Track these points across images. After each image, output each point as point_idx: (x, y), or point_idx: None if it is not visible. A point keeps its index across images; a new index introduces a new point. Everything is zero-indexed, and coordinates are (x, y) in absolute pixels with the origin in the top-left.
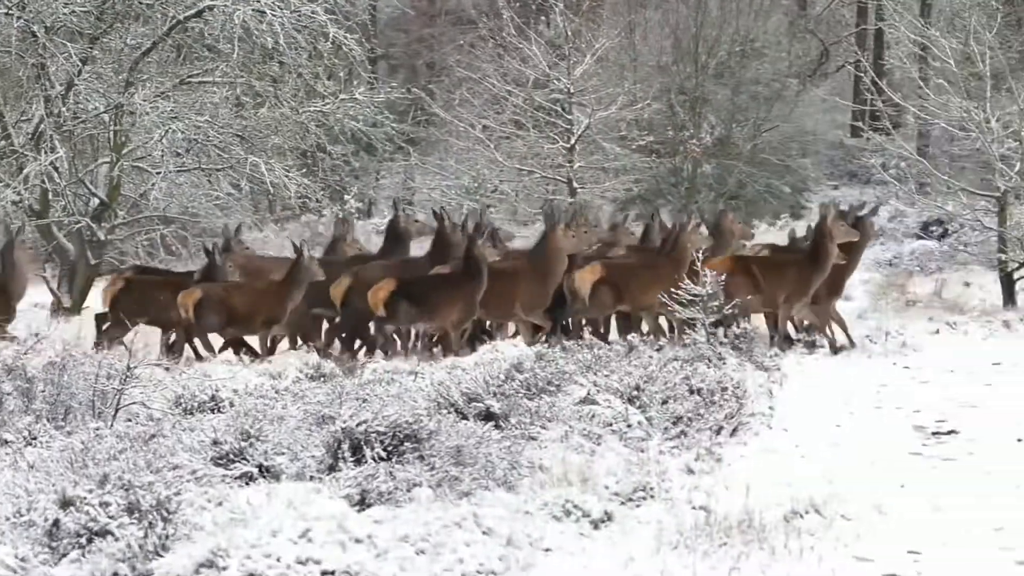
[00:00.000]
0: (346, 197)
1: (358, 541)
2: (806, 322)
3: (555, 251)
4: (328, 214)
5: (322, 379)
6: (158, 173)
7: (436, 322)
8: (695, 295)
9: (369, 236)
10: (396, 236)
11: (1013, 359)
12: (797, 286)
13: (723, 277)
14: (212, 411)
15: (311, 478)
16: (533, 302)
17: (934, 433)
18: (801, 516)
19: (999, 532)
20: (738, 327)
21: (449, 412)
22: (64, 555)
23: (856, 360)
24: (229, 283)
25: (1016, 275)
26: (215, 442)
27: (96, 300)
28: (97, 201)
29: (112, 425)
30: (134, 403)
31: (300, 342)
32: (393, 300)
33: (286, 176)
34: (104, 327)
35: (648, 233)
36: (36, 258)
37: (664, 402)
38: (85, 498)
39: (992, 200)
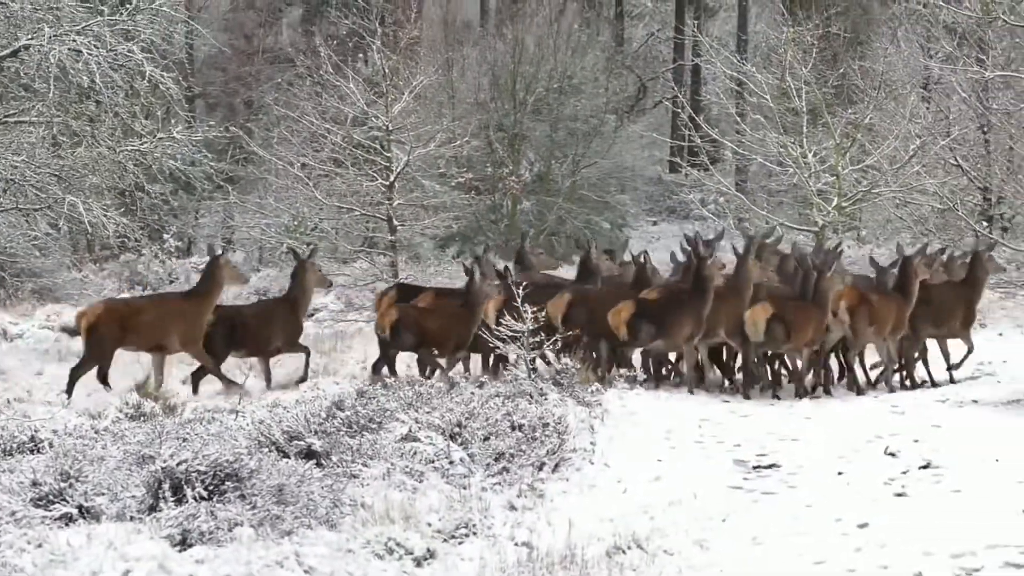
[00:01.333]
0: (165, 236)
1: None
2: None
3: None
4: (147, 253)
5: (142, 419)
6: None
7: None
8: (515, 331)
9: (188, 274)
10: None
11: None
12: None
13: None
14: (31, 452)
15: (132, 518)
16: None
17: (755, 467)
18: (623, 551)
19: (819, 565)
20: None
21: (270, 450)
22: None
23: (677, 395)
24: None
25: None
26: (34, 483)
27: None
28: None
29: None
30: None
31: None
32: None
33: (104, 215)
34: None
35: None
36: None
37: (486, 438)
38: None
39: (810, 235)
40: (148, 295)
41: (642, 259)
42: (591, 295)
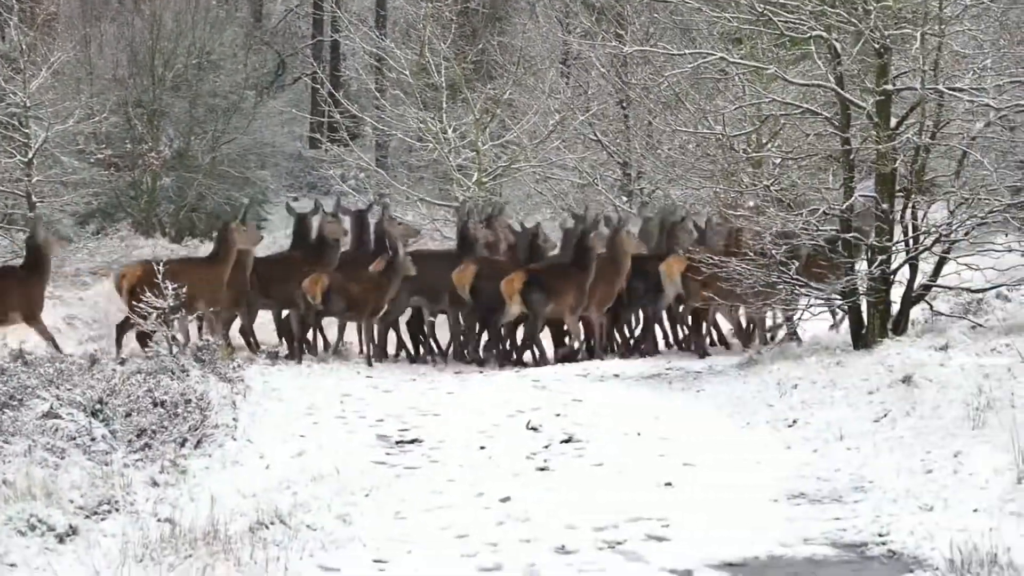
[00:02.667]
0: None
1: None
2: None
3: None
4: None
5: None
6: None
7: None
8: (157, 307)
9: None
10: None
11: (473, 367)
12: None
13: None
14: None
15: None
16: None
17: (398, 442)
18: (266, 527)
19: (462, 539)
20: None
21: None
22: None
23: (319, 370)
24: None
25: None
26: None
27: None
28: None
29: None
30: None
31: None
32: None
33: None
34: None
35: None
36: None
37: (128, 415)
38: None
39: (451, 210)
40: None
41: (535, 230)
42: (498, 265)
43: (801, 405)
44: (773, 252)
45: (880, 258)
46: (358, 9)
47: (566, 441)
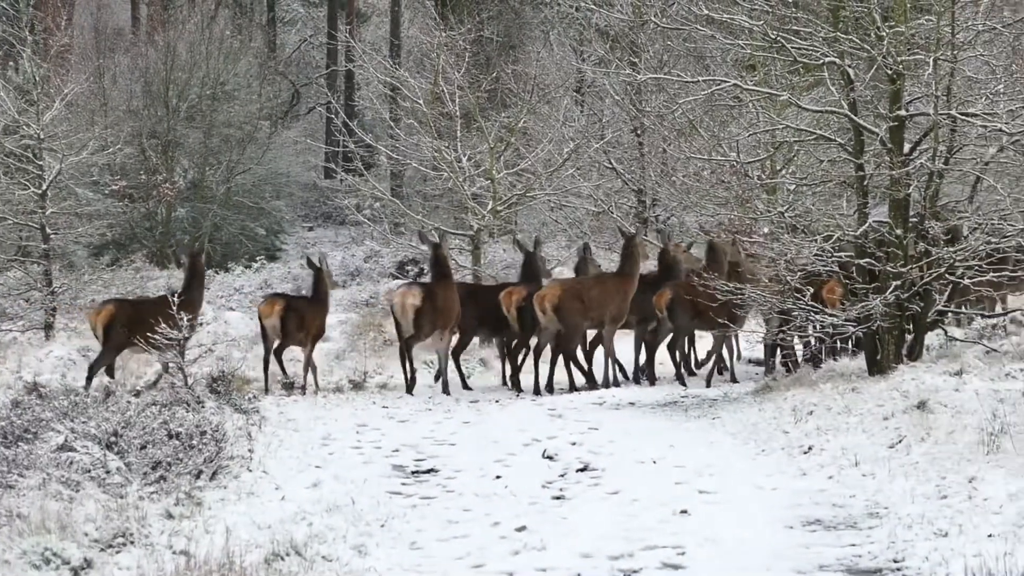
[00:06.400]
0: None
1: None
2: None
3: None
4: None
5: None
6: None
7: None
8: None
9: None
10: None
11: (489, 396)
12: None
13: None
14: None
15: None
16: None
17: (413, 472)
18: (282, 558)
19: (478, 569)
20: None
21: None
22: None
23: (335, 401)
24: None
25: None
26: None
27: None
28: None
29: None
30: None
31: None
32: None
33: None
34: None
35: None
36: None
37: (143, 447)
38: None
39: (466, 239)
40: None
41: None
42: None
43: (816, 432)
44: (788, 278)
45: (895, 284)
46: (372, 39)
47: (582, 470)
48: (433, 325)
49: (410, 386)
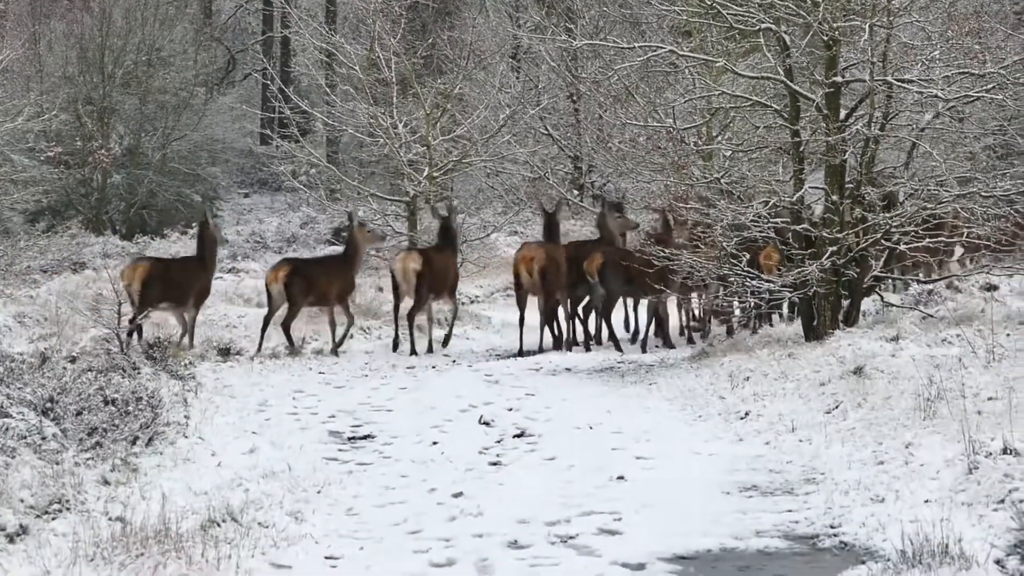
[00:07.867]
0: None
1: None
2: None
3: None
4: None
5: None
6: None
7: None
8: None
9: None
10: None
11: (426, 361)
12: None
13: None
14: None
15: None
16: None
17: (350, 438)
18: (218, 524)
19: (415, 534)
20: None
21: None
22: None
23: (271, 366)
24: None
25: None
26: None
27: None
28: None
29: None
30: None
31: None
32: None
33: None
34: None
35: None
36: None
37: (79, 413)
38: None
39: (402, 205)
40: None
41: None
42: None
43: (753, 397)
44: (724, 244)
45: (831, 249)
46: (308, 5)
47: (518, 436)
48: (431, 289)
49: (413, 350)
